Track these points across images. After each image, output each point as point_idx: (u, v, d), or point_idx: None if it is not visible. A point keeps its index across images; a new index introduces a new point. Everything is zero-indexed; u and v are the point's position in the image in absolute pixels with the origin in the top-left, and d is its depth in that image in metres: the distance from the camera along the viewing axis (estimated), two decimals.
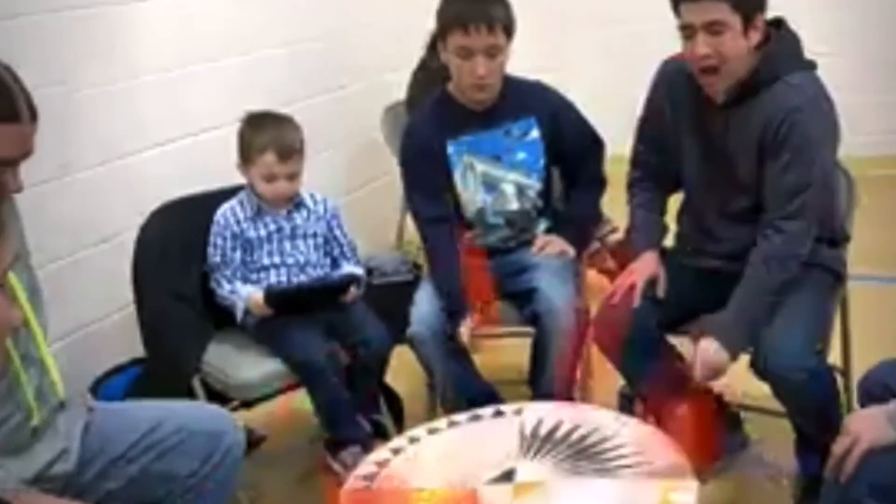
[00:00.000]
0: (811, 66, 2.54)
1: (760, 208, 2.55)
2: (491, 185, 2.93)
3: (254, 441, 2.97)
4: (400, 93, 4.15)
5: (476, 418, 2.32)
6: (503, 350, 2.89)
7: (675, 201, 2.85)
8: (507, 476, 2.03)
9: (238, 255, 2.88)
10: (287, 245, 2.91)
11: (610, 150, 3.03)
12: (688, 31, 2.46)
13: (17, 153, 1.81)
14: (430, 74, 3.74)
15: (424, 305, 2.82)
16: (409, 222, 3.41)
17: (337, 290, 2.88)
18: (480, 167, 2.91)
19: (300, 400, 2.91)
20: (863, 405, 2.15)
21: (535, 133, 2.92)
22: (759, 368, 2.44)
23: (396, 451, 2.20)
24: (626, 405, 2.85)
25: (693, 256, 2.74)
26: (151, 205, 2.91)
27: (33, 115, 1.84)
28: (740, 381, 2.71)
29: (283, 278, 2.90)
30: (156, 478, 2.10)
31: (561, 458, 2.08)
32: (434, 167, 2.90)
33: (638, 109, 2.79)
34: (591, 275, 3.63)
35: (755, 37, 2.46)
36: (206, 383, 2.82)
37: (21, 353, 1.94)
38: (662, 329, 2.66)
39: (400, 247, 4.31)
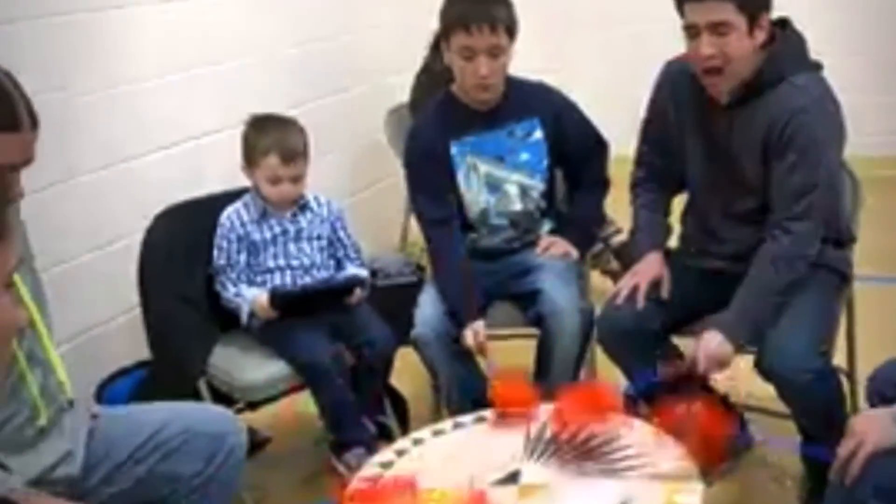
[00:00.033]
0: (817, 66, 2.54)
1: (765, 209, 2.55)
2: (494, 186, 2.93)
3: (258, 443, 2.97)
4: (403, 95, 4.15)
5: (481, 420, 2.32)
6: (507, 351, 2.89)
7: (679, 202, 2.85)
8: (513, 477, 2.03)
9: (243, 257, 2.88)
10: (292, 247, 2.92)
11: (613, 151, 3.03)
12: (692, 31, 2.45)
13: (18, 161, 1.82)
14: (433, 77, 3.75)
15: (428, 307, 2.83)
16: (413, 224, 3.42)
17: (341, 291, 2.88)
18: (484, 168, 2.91)
19: (305, 402, 2.92)
20: (872, 404, 2.15)
21: (538, 134, 2.92)
22: (764, 369, 2.44)
23: (401, 453, 2.20)
24: (630, 407, 2.84)
25: (697, 257, 2.74)
26: (156, 208, 2.92)
27: (34, 123, 1.85)
28: (745, 382, 2.71)
29: (288, 280, 2.91)
30: (161, 478, 2.11)
31: (566, 459, 2.08)
32: (438, 169, 2.91)
33: (641, 110, 2.79)
34: (595, 276, 3.64)
35: (760, 37, 2.45)
36: (212, 385, 2.83)
37: (26, 352, 1.95)
38: (666, 330, 2.67)
39: (404, 248, 4.32)
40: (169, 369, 2.85)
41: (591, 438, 2.13)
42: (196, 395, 2.77)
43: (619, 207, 3.12)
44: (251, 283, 2.88)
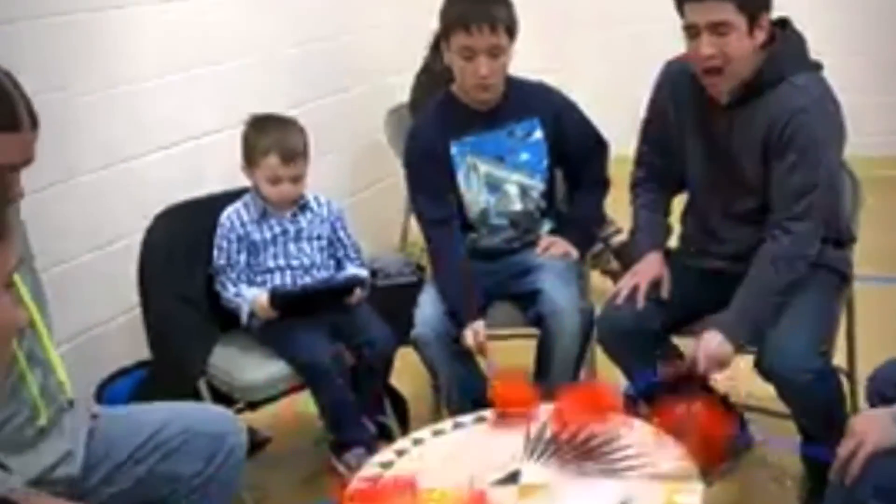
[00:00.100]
0: (817, 66, 2.54)
1: (765, 209, 2.55)
2: (494, 186, 2.93)
3: (259, 443, 2.97)
4: (403, 95, 4.15)
5: (481, 420, 2.32)
6: (507, 351, 2.89)
7: (679, 202, 2.85)
8: (513, 477, 2.03)
9: (243, 257, 2.88)
10: (292, 247, 2.92)
11: (613, 151, 3.03)
12: (692, 31, 2.45)
13: (18, 161, 1.82)
14: (432, 76, 3.75)
15: (428, 307, 2.83)
16: (413, 224, 3.42)
17: (342, 291, 2.88)
18: (484, 168, 2.91)
19: (305, 402, 2.92)
20: (872, 404, 2.15)
21: (538, 134, 2.92)
22: (764, 369, 2.44)
23: (401, 453, 2.20)
24: (630, 407, 2.85)
25: (697, 257, 2.74)
26: (156, 208, 2.92)
27: (34, 123, 1.85)
28: (745, 382, 2.71)
29: (288, 280, 2.91)
30: (161, 478, 2.11)
31: (566, 459, 2.08)
32: (438, 169, 2.91)
33: (641, 110, 2.79)
34: (595, 276, 3.64)
35: (760, 37, 2.45)
36: (212, 385, 2.83)
37: (26, 352, 1.95)
38: (666, 330, 2.66)
39: (404, 248, 4.32)
40: (169, 369, 2.85)
41: (591, 438, 2.13)
42: (196, 395, 2.77)
43: (619, 207, 3.12)
44: (251, 283, 2.88)
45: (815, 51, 2.55)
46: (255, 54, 3.79)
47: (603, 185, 3.04)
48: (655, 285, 2.65)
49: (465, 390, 2.78)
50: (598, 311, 2.76)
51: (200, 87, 3.52)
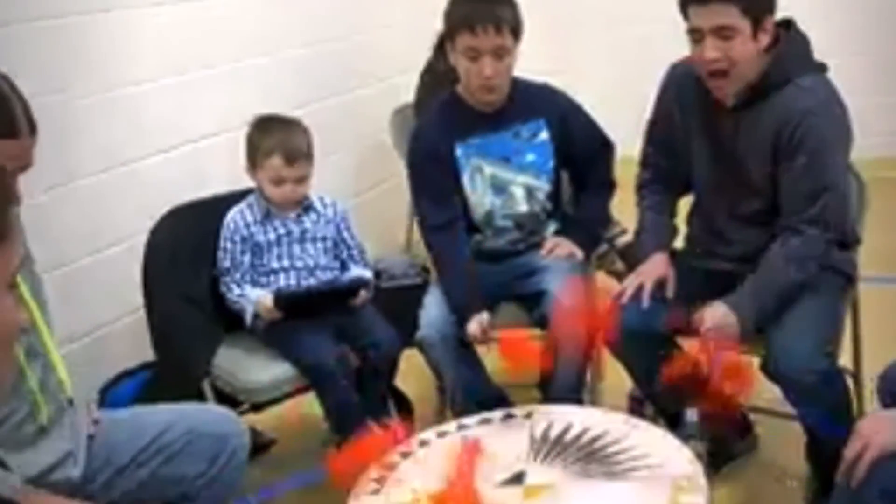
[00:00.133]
0: (822, 68, 2.53)
1: (771, 211, 2.54)
2: (500, 188, 2.92)
3: (263, 444, 2.97)
4: (408, 95, 4.15)
5: (486, 422, 2.32)
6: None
7: (685, 204, 2.84)
8: (518, 479, 2.03)
9: (247, 258, 2.88)
10: (296, 248, 2.91)
11: (619, 153, 3.02)
12: (696, 35, 2.45)
13: (15, 167, 1.82)
14: (436, 77, 3.74)
15: (433, 309, 2.82)
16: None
17: (346, 293, 2.88)
18: (489, 169, 2.91)
19: (309, 403, 2.92)
20: (885, 404, 2.14)
21: (544, 135, 2.92)
22: (770, 371, 2.43)
23: (406, 455, 2.20)
24: (636, 408, 2.84)
25: (703, 258, 2.73)
26: (160, 209, 2.91)
27: (32, 128, 1.85)
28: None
29: (293, 282, 2.90)
30: (164, 481, 2.11)
31: (571, 461, 2.08)
32: (442, 170, 2.90)
33: (646, 112, 2.79)
34: (601, 277, 3.63)
35: (764, 39, 2.45)
36: (216, 387, 2.82)
37: (25, 347, 1.95)
38: (672, 331, 2.66)
39: (409, 249, 4.31)
40: (173, 370, 2.85)
41: (597, 440, 2.13)
42: (200, 397, 2.77)
43: (624, 209, 3.11)
44: (255, 284, 2.88)
45: (818, 52, 2.55)
46: (258, 56, 3.78)
47: (609, 186, 3.03)
48: (660, 285, 2.64)
49: (469, 392, 2.78)
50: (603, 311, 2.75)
51: (201, 89, 3.51)
